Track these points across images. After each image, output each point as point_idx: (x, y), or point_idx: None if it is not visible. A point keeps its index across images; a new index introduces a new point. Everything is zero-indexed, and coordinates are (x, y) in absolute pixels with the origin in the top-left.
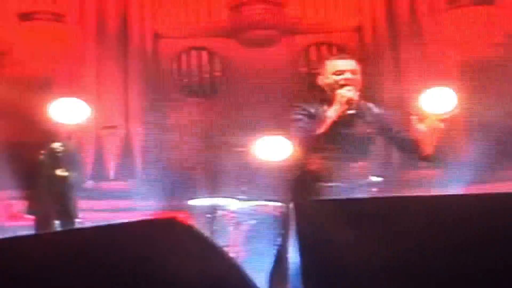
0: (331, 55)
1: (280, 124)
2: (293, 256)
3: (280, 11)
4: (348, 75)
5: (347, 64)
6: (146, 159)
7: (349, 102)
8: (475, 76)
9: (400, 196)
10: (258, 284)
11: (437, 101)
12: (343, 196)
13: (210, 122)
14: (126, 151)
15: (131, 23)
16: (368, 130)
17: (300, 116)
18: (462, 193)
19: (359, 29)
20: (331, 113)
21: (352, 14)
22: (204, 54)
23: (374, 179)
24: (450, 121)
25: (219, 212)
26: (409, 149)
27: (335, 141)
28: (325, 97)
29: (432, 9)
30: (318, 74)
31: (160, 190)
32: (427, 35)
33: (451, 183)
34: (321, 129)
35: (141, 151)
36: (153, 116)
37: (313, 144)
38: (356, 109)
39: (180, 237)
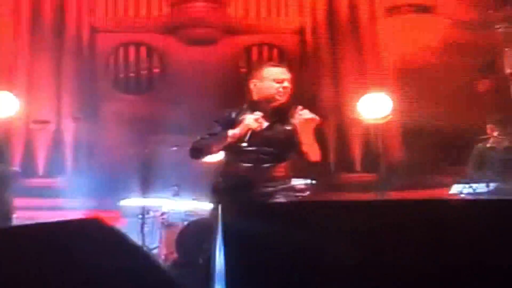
0: (271, 58)
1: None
2: (219, 257)
3: (222, 10)
4: (286, 84)
5: (284, 73)
6: (77, 156)
7: (248, 130)
8: (411, 83)
9: (324, 201)
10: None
11: (373, 106)
12: (269, 199)
13: (145, 119)
14: (56, 147)
15: (67, 15)
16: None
17: (219, 123)
18: (389, 198)
19: (300, 32)
20: (236, 131)
21: (294, 16)
22: (143, 50)
23: (302, 182)
24: (385, 127)
25: (151, 213)
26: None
27: (256, 145)
28: (252, 101)
29: (371, 16)
30: (252, 78)
31: (90, 189)
32: (366, 40)
33: (384, 187)
34: (236, 136)
35: (72, 148)
36: (86, 112)
37: (234, 148)
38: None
39: (102, 237)
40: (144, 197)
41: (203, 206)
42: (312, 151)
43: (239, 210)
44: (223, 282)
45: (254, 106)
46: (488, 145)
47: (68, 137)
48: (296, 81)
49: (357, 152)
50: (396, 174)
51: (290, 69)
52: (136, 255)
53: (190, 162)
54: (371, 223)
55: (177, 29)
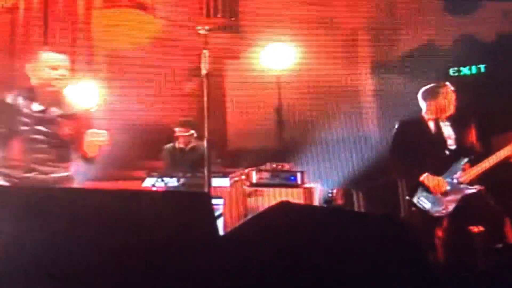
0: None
1: None
2: None
3: None
4: (63, 71)
5: (61, 59)
6: None
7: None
8: (121, 76)
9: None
10: None
11: (82, 94)
12: None
13: None
14: None
15: None
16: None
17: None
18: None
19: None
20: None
21: None
22: None
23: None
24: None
25: None
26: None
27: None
28: (29, 86)
29: (88, 6)
30: (27, 62)
31: None
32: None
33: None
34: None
35: None
36: None
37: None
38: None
39: None
40: None
41: None
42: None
43: None
44: None
45: (30, 92)
46: (177, 145)
47: None
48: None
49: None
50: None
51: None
52: None
53: None
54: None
55: None
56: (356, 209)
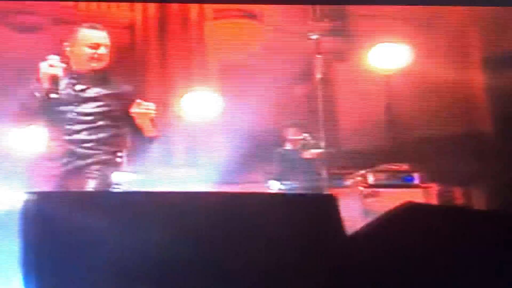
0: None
1: None
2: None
3: None
4: (102, 50)
5: (101, 37)
6: None
7: (53, 79)
8: (234, 85)
9: (148, 191)
10: None
11: (199, 104)
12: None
13: None
14: None
15: None
16: (96, 110)
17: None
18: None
19: (130, 27)
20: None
21: (125, 11)
22: None
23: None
24: (207, 124)
25: None
26: (135, 131)
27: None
28: (68, 67)
29: (200, 18)
30: (65, 40)
31: None
32: (194, 40)
33: (202, 182)
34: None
35: None
36: None
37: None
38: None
39: None
40: None
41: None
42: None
43: (39, 200)
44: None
45: (72, 72)
46: (290, 147)
47: None
48: (125, 76)
49: (179, 148)
50: (216, 170)
51: (120, 64)
52: None
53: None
54: (193, 215)
55: (5, 15)
56: (476, 208)
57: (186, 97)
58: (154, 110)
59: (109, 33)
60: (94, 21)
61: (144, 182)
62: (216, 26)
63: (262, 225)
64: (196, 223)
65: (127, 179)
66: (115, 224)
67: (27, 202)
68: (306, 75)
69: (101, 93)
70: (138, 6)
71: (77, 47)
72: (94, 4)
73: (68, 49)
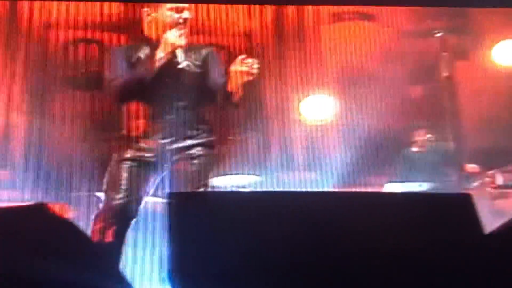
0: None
1: None
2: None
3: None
4: (186, 14)
5: (183, 6)
6: (26, 150)
7: (175, 48)
8: (352, 88)
9: (272, 191)
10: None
11: (315, 108)
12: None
13: (93, 115)
14: (5, 140)
15: (19, 9)
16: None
17: (118, 61)
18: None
19: (247, 34)
20: (156, 57)
21: (242, 19)
22: (94, 47)
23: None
24: (326, 128)
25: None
26: (222, 94)
27: (161, 93)
28: (147, 39)
29: (316, 21)
30: (149, 14)
31: (39, 181)
32: (310, 45)
33: (322, 184)
34: (144, 76)
35: (21, 141)
36: (36, 107)
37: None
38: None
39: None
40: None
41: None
42: (235, 94)
43: (184, 200)
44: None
45: (152, 41)
46: (416, 149)
47: (17, 130)
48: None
49: (298, 151)
50: (335, 173)
51: None
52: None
53: None
54: (314, 214)
55: (129, 27)
56: None
57: (305, 101)
58: (258, 68)
59: (227, 40)
60: (211, 30)
61: (265, 185)
62: (333, 29)
63: (398, 224)
64: (328, 223)
65: (251, 181)
66: (254, 224)
67: (169, 203)
68: (429, 74)
69: (186, 61)
70: (256, 12)
71: (159, 13)
72: (213, 11)
73: (149, 17)
